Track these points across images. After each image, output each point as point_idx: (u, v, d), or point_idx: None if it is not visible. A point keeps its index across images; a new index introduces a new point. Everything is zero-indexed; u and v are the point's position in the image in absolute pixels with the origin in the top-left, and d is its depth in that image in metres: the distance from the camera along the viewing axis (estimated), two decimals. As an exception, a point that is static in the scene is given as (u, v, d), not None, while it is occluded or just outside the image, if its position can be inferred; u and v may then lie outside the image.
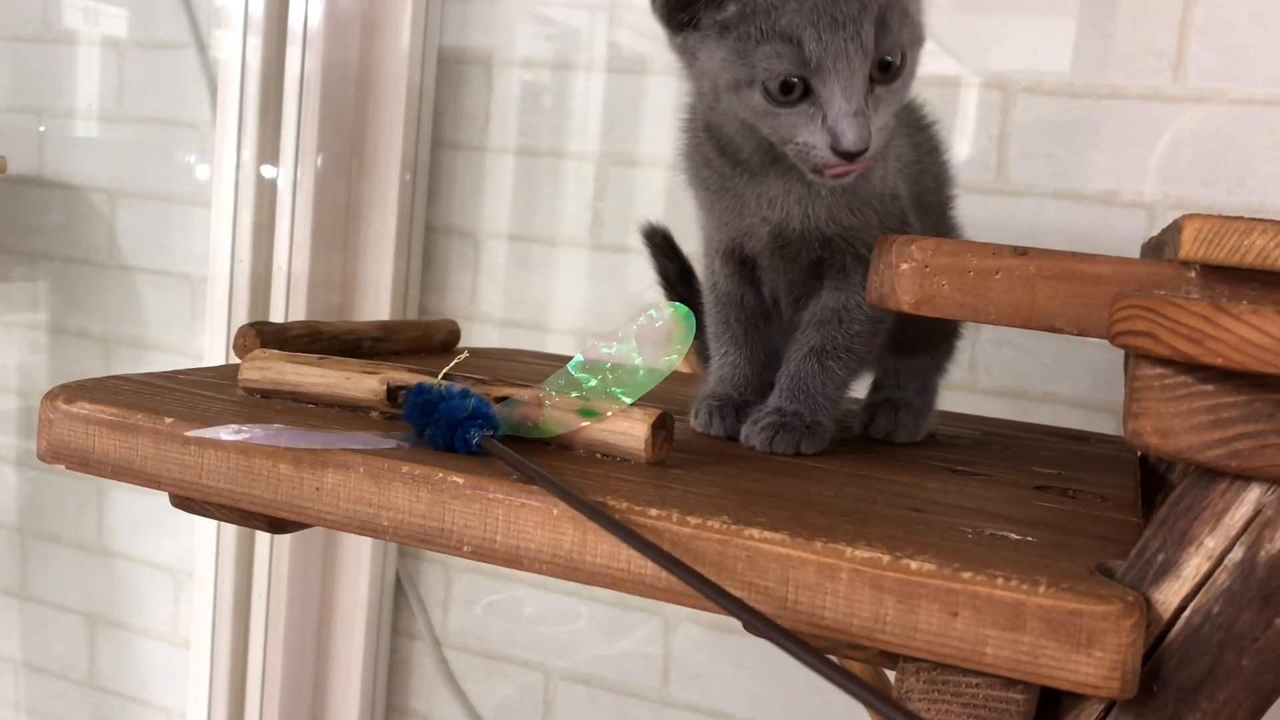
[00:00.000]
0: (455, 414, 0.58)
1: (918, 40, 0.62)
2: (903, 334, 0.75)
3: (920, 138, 0.77)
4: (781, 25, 0.59)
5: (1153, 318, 0.42)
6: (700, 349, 0.80)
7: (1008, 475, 0.67)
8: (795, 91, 0.60)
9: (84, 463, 0.63)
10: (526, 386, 0.63)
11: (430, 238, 1.32)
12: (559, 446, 0.61)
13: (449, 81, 1.30)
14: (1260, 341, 0.40)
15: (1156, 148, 1.01)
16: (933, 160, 0.78)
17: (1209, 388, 0.43)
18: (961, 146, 1.08)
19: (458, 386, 0.60)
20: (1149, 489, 0.69)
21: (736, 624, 0.51)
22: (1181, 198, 1.01)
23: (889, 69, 0.60)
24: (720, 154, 0.68)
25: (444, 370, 0.64)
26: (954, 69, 1.09)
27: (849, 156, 0.59)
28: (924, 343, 0.79)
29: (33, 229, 1.54)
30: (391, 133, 1.26)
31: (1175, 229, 0.48)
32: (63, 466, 0.64)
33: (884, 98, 0.61)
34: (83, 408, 0.63)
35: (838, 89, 0.59)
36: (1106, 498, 0.63)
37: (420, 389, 0.60)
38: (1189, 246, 0.46)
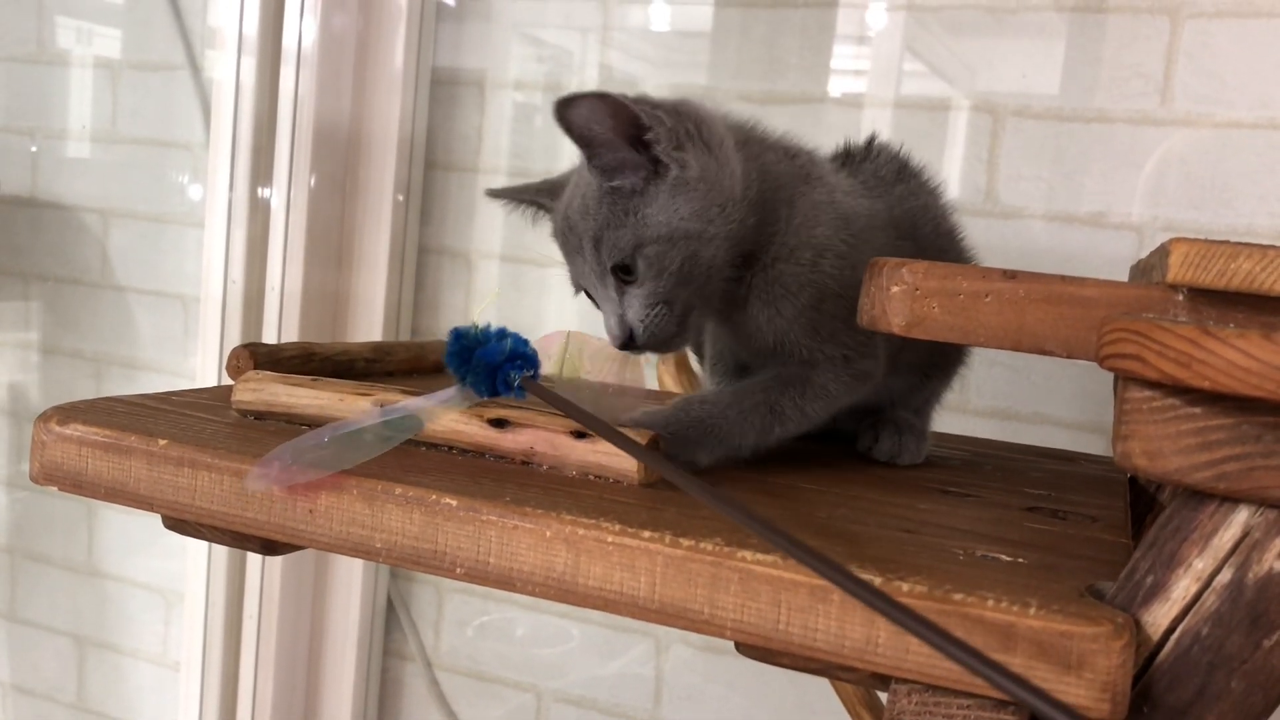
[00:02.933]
0: (493, 358, 0.57)
1: (653, 239, 0.64)
2: (915, 359, 0.76)
3: (927, 202, 0.79)
4: (560, 252, 0.70)
5: (1140, 341, 0.43)
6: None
7: (998, 496, 0.67)
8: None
9: (77, 485, 0.63)
10: (521, 408, 0.63)
11: (423, 258, 1.32)
12: (550, 468, 0.62)
13: (442, 103, 1.30)
14: (1246, 365, 0.40)
15: (1144, 170, 1.02)
16: (943, 222, 0.80)
17: (1197, 410, 0.43)
18: (951, 169, 1.09)
19: (494, 327, 0.59)
20: (1139, 510, 0.70)
21: (728, 645, 0.51)
22: (1170, 220, 1.01)
23: (630, 270, 0.65)
24: None
25: (479, 309, 0.65)
26: (944, 92, 1.10)
27: (624, 347, 0.67)
28: (935, 367, 0.79)
29: (26, 249, 1.54)
30: (384, 153, 1.26)
31: (1163, 252, 0.48)
32: (55, 488, 0.64)
33: (633, 294, 0.66)
34: (76, 429, 0.63)
35: (597, 299, 0.68)
36: (1096, 519, 0.63)
37: (456, 334, 0.59)
38: (1176, 270, 0.46)
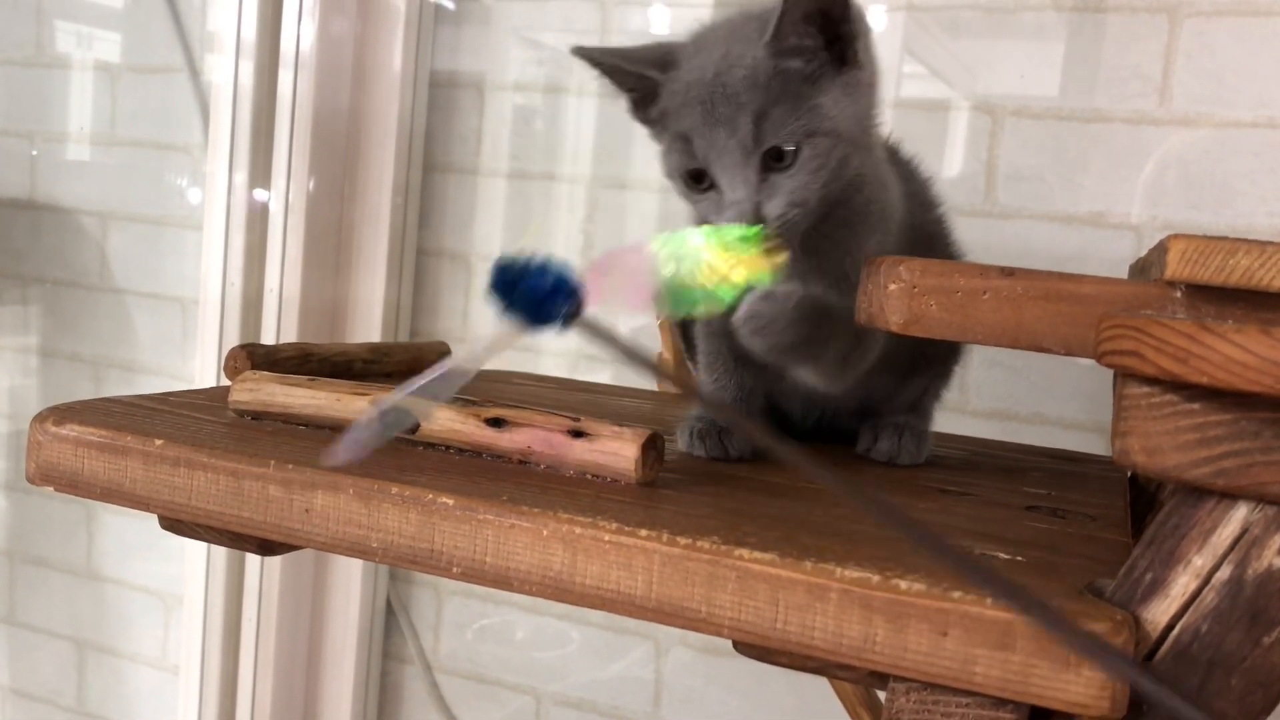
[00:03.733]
0: (538, 290, 0.55)
1: (825, 131, 0.64)
2: (907, 356, 0.76)
3: (915, 189, 0.79)
4: (681, 125, 0.66)
5: (1139, 337, 0.42)
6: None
7: (998, 495, 0.67)
8: (705, 180, 0.66)
9: (73, 485, 0.63)
10: (519, 408, 0.63)
11: (422, 260, 1.32)
12: (548, 468, 0.61)
13: (441, 105, 1.30)
14: (1245, 360, 0.40)
15: (1143, 170, 1.02)
16: (931, 210, 0.80)
17: (1195, 406, 0.43)
18: (950, 169, 1.08)
19: (539, 257, 0.57)
20: (1138, 508, 0.70)
21: (728, 648, 0.51)
22: (1168, 220, 1.01)
23: (783, 156, 0.64)
24: None
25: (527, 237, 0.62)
26: (943, 92, 1.10)
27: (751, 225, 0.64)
28: (928, 365, 0.79)
29: (24, 252, 1.54)
30: (383, 156, 1.26)
31: (1161, 249, 0.48)
32: (52, 489, 0.64)
33: (780, 184, 0.64)
34: (72, 430, 0.63)
35: (725, 180, 0.65)
36: (1096, 517, 0.63)
37: (500, 266, 0.57)
38: (1174, 266, 0.46)
